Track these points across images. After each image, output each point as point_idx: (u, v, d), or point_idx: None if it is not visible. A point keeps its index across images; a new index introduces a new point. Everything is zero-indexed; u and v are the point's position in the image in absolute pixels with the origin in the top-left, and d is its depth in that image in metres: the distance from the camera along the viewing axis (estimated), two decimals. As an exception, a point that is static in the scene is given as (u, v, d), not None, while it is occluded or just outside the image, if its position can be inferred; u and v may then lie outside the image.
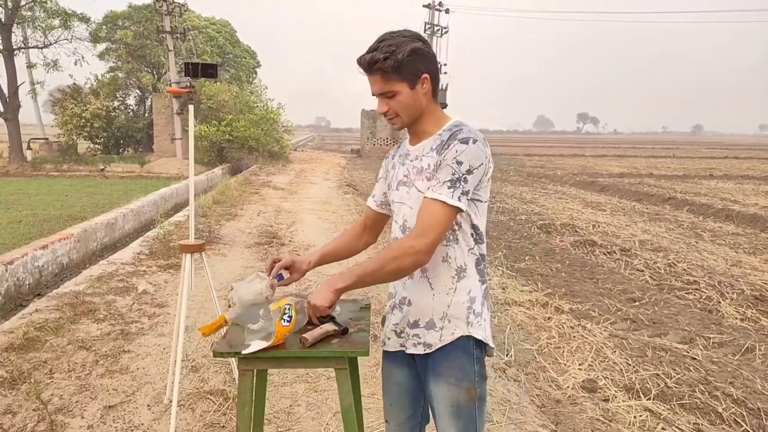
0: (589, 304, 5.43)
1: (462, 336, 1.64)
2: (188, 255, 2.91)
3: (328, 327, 1.66)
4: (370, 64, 1.60)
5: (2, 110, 20.49)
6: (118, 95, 26.73)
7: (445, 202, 1.53)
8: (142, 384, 3.39)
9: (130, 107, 27.92)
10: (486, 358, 1.70)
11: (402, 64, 1.57)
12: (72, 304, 4.65)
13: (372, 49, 1.61)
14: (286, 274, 1.82)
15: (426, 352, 1.67)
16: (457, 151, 1.55)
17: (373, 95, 1.67)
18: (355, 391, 1.74)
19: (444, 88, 27.28)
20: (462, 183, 1.54)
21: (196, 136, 20.44)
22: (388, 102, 1.64)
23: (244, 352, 1.50)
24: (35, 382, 3.33)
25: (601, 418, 3.34)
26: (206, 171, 18.75)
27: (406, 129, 1.75)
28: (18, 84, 20.84)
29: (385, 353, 1.82)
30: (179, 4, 22.40)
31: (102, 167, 20.74)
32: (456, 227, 1.62)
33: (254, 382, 1.59)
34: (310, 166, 22.47)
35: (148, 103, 27.40)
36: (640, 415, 3.38)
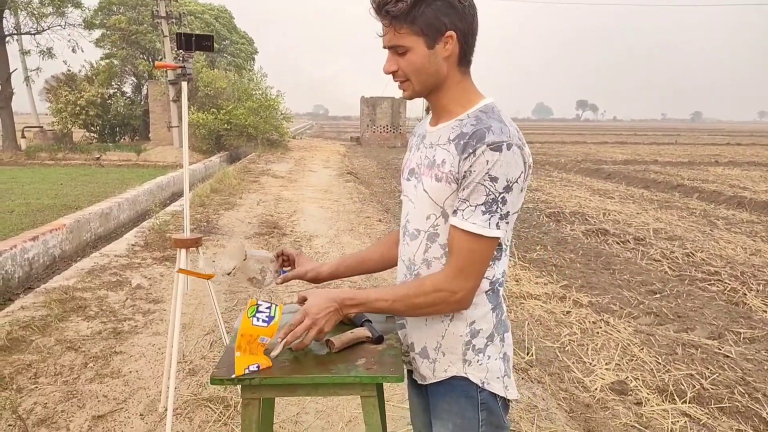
0: (609, 297, 5.15)
1: (456, 376, 1.32)
2: (183, 250, 2.60)
3: (361, 332, 1.39)
4: (379, 6, 1.24)
5: (-5, 98, 20.09)
6: (113, 82, 26.25)
7: (481, 235, 1.20)
8: (134, 390, 3.11)
9: (127, 95, 27.44)
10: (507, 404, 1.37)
11: (418, 12, 1.21)
12: (61, 300, 4.35)
13: None
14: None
15: (422, 383, 1.39)
16: (488, 162, 1.18)
17: (383, 47, 1.32)
18: (383, 421, 1.45)
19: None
20: (500, 205, 1.20)
21: (194, 124, 20.16)
22: (397, 60, 1.28)
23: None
24: (17, 388, 3.04)
25: (635, 425, 3.06)
26: (204, 159, 18.40)
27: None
28: (10, 71, 20.40)
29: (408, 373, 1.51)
30: (174, -12, 21.88)
31: (98, 156, 20.38)
32: None
33: (260, 413, 1.29)
34: (310, 154, 22.09)
35: (144, 90, 26.93)
36: (678, 421, 3.11)
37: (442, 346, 1.32)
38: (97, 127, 25.00)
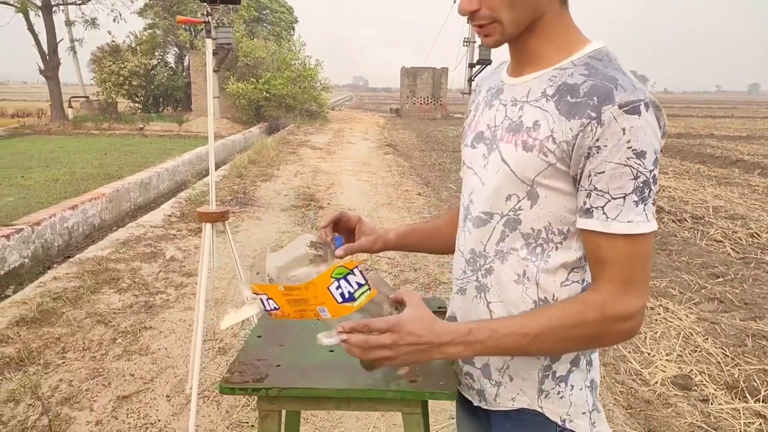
0: (667, 281, 4.77)
1: (526, 409, 1.02)
2: (209, 225, 2.41)
3: None
4: None
5: (42, 68, 20.47)
6: (156, 53, 26.41)
7: (642, 234, 0.87)
8: (162, 368, 2.97)
9: (169, 65, 27.60)
10: None
11: None
12: (94, 272, 4.28)
13: None
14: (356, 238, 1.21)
15: (481, 405, 1.07)
16: (624, 131, 0.84)
17: None
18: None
19: (488, 43, 25.90)
20: (651, 187, 0.87)
21: (233, 94, 20.14)
22: None
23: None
24: (44, 363, 2.95)
25: (702, 425, 2.76)
26: (244, 130, 18.38)
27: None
28: (57, 41, 20.71)
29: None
30: (215, -44, 21.61)
31: (141, 126, 20.62)
32: (555, 235, 0.96)
33: (281, 428, 1.07)
34: (349, 126, 21.85)
35: (186, 61, 27.03)
36: (752, 423, 2.79)
37: (510, 367, 1.02)
38: (141, 98, 25.30)
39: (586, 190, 0.89)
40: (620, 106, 0.84)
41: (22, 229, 4.91)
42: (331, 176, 9.70)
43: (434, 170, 10.99)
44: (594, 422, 1.02)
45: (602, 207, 0.88)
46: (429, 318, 0.91)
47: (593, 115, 0.86)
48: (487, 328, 0.90)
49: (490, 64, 27.10)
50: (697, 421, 2.79)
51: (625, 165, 0.85)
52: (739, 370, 3.27)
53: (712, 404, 2.95)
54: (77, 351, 3.11)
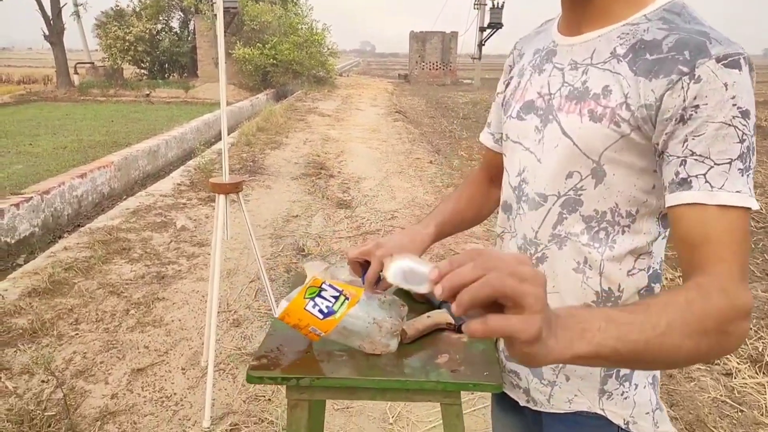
0: (686, 251, 4.68)
1: (584, 412, 0.92)
2: (222, 196, 2.32)
3: (441, 316, 1.02)
4: None
5: (47, 33, 20.20)
6: (161, 17, 25.95)
7: (750, 208, 0.72)
8: (177, 340, 2.94)
9: (174, 30, 27.15)
10: None
11: None
12: (104, 241, 4.23)
13: None
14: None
15: (528, 405, 0.99)
16: (726, 86, 0.71)
17: None
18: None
19: (500, 5, 25.32)
20: (752, 155, 0.74)
21: (240, 60, 19.82)
22: None
23: None
24: (58, 335, 2.92)
25: (727, 400, 2.71)
26: (251, 96, 18.16)
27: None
28: (61, 5, 20.38)
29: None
30: None
31: (147, 92, 20.42)
32: (622, 218, 0.84)
33: (309, 417, 1.01)
34: (357, 92, 21.54)
35: (191, 26, 26.57)
36: (777, 398, 2.73)
37: (566, 366, 0.91)
38: (147, 64, 25.00)
39: (679, 157, 0.74)
40: (718, 60, 0.72)
41: (31, 198, 4.86)
42: (340, 144, 9.57)
43: (445, 137, 10.83)
44: (657, 422, 0.93)
45: (704, 174, 0.72)
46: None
47: (685, 70, 0.73)
48: (601, 313, 0.63)
49: (501, 27, 26.52)
50: (720, 395, 2.74)
51: (730, 125, 0.72)
52: (763, 343, 3.20)
53: (735, 378, 2.89)
54: (90, 322, 3.08)
